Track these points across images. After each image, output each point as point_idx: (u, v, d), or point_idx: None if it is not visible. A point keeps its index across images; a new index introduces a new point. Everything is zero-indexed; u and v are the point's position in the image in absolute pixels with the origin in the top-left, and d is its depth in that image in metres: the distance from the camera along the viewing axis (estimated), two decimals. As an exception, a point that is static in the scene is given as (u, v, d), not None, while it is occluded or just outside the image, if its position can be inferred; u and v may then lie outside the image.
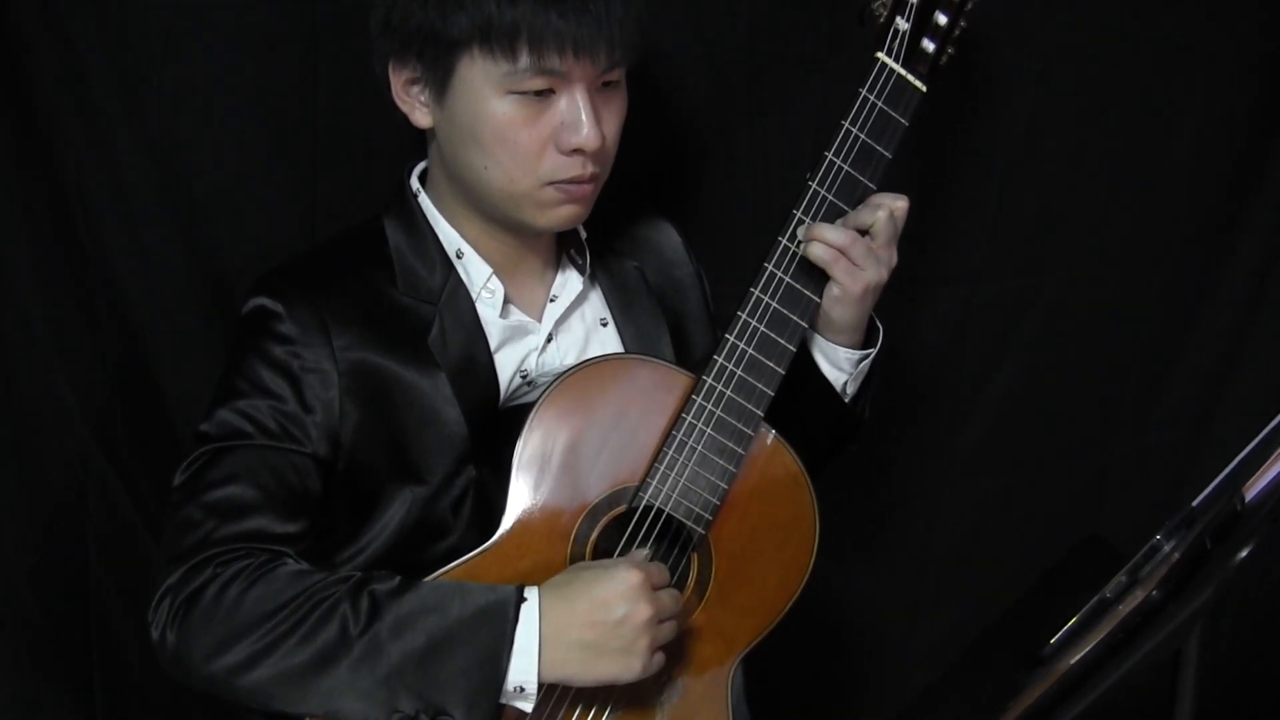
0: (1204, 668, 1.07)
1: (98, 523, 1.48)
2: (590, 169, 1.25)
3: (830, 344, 1.35)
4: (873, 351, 1.37)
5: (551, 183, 1.25)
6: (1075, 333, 1.83)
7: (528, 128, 1.22)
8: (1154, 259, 1.82)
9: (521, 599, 1.17)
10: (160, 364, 1.48)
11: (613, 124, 1.27)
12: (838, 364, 1.36)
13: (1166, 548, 1.07)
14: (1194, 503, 1.07)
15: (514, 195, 1.26)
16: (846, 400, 1.39)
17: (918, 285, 1.69)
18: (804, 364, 1.35)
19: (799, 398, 1.35)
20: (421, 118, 1.28)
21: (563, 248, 1.39)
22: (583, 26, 1.18)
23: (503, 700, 1.17)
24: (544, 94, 1.22)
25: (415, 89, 1.27)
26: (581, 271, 1.38)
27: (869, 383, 1.40)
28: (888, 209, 1.28)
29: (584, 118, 1.22)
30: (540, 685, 1.17)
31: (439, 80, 1.23)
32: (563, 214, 1.28)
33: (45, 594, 1.46)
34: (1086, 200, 1.77)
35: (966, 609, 1.87)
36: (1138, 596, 1.05)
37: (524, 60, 1.19)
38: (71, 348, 1.43)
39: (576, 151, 1.23)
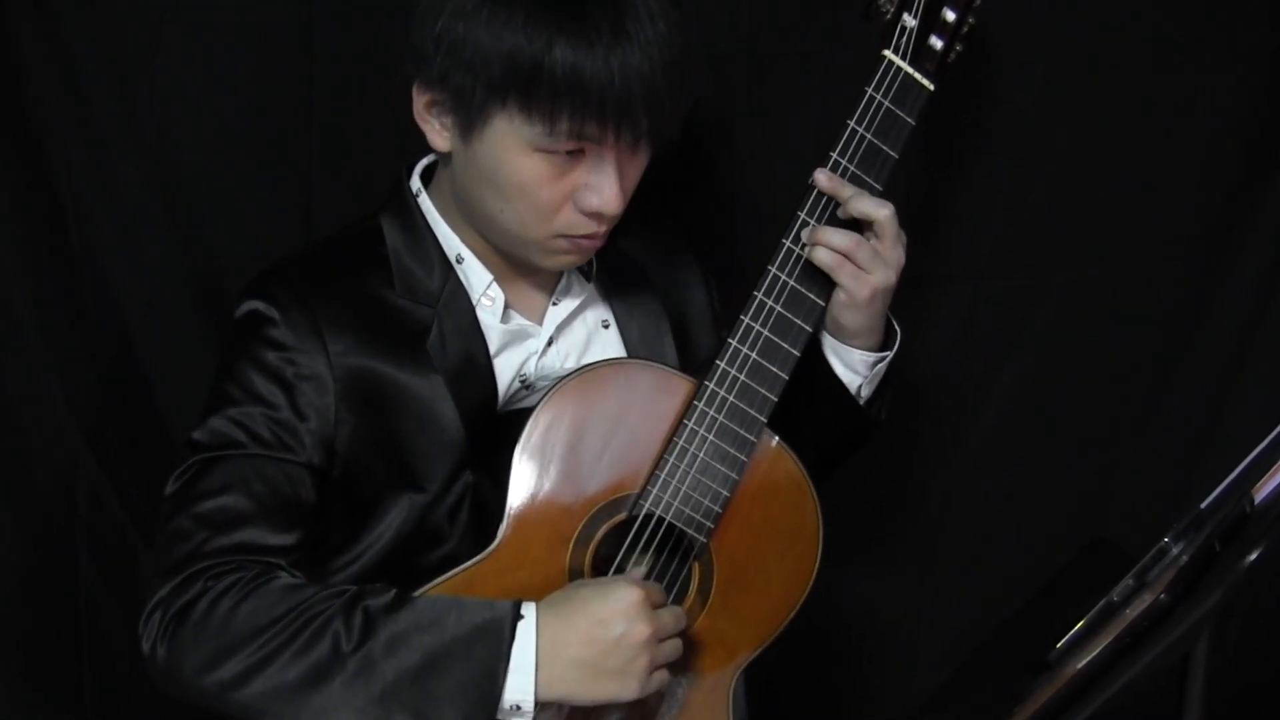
0: (1213, 672, 1.05)
1: (88, 527, 1.47)
2: (604, 228, 1.24)
3: (844, 346, 1.33)
4: (889, 355, 1.35)
5: (563, 235, 1.23)
6: (1082, 332, 1.81)
7: (550, 185, 1.20)
8: (1162, 258, 1.80)
9: (518, 616, 1.15)
10: (152, 366, 1.46)
11: (632, 179, 1.25)
12: (852, 366, 1.34)
13: (1175, 550, 1.05)
14: (1202, 505, 1.06)
15: (524, 240, 1.25)
16: (861, 402, 1.37)
17: (923, 283, 1.65)
18: (818, 365, 1.33)
19: (813, 399, 1.33)
20: (440, 142, 1.25)
21: None
22: (627, 99, 1.15)
23: (500, 717, 1.15)
24: (573, 153, 1.20)
25: (436, 110, 1.23)
26: (587, 277, 1.37)
27: (886, 385, 1.38)
28: (890, 207, 1.26)
29: (608, 183, 1.20)
30: (538, 703, 1.15)
31: (467, 120, 1.20)
32: (568, 260, 1.28)
33: (35, 598, 1.45)
34: (1093, 198, 1.75)
35: (971, 613, 1.85)
36: (1145, 600, 1.03)
37: (563, 125, 1.16)
38: (62, 349, 1.42)
39: (595, 214, 1.22)
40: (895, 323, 1.35)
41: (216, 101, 1.41)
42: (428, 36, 1.19)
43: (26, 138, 1.36)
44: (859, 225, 1.27)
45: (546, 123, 1.16)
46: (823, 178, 1.25)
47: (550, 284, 1.36)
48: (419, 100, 1.24)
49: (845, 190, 1.25)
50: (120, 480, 1.47)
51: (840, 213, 1.26)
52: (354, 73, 1.32)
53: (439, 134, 1.24)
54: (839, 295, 1.27)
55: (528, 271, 1.33)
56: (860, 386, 1.35)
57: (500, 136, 1.19)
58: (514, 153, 1.19)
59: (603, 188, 1.20)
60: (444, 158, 1.29)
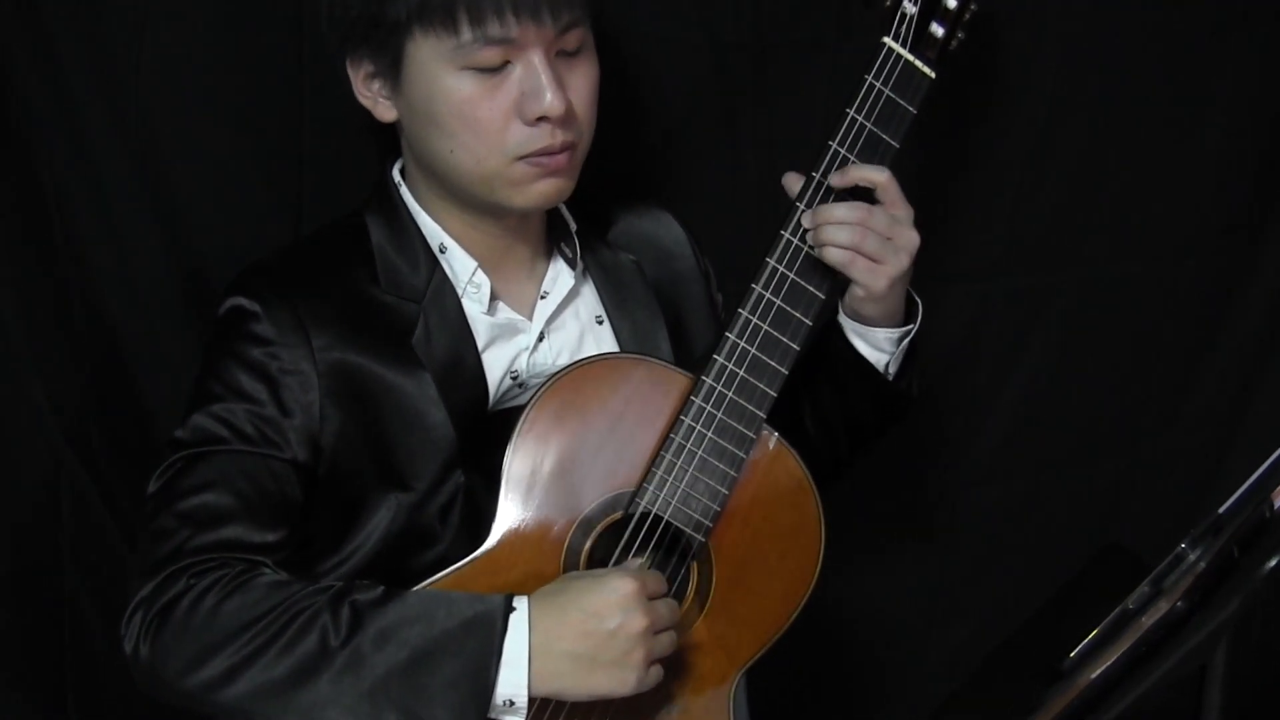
0: (1231, 683, 1.05)
1: (71, 529, 1.45)
2: (560, 137, 1.21)
3: (866, 327, 1.32)
4: (913, 328, 1.33)
5: (521, 157, 1.21)
6: (1097, 331, 1.79)
7: (487, 102, 1.19)
8: (1180, 254, 1.78)
9: (510, 608, 1.14)
10: (137, 364, 1.45)
11: (581, 90, 1.23)
12: (878, 345, 1.33)
13: (1192, 557, 1.04)
14: (1221, 510, 1.05)
15: (485, 176, 1.23)
16: (891, 379, 1.35)
17: (930, 282, 1.64)
18: (843, 350, 1.32)
19: (842, 385, 1.33)
20: (384, 111, 1.26)
21: (553, 241, 1.36)
22: None
23: (492, 714, 1.13)
24: (499, 67, 1.19)
25: (376, 85, 1.25)
26: (571, 265, 1.35)
27: (913, 358, 1.37)
28: (888, 171, 1.24)
29: (543, 82, 1.18)
30: (531, 699, 1.13)
31: (390, 68, 1.21)
32: (540, 190, 1.24)
33: (17, 602, 1.44)
34: (1108, 193, 1.73)
35: (982, 621, 1.83)
36: (1161, 608, 1.02)
37: (466, 33, 1.16)
38: (44, 347, 1.40)
39: (542, 120, 1.19)
40: (915, 294, 1.34)
41: (203, 96, 1.40)
42: (325, 7, 1.23)
43: (9, 133, 1.35)
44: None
45: (450, 34, 1.16)
46: (807, 219, 1.24)
47: (538, 275, 1.34)
48: (355, 79, 1.25)
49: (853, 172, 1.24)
50: (104, 482, 1.46)
51: (835, 180, 1.24)
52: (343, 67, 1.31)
53: (382, 104, 1.26)
54: (856, 290, 1.26)
55: (513, 256, 1.32)
56: (888, 364, 1.34)
57: (421, 68, 1.20)
58: (439, 79, 1.19)
59: (539, 90, 1.18)
60: (401, 135, 1.29)
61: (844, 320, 1.32)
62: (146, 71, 1.37)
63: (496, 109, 1.19)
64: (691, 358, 1.36)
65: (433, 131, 1.22)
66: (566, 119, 1.20)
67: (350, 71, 1.25)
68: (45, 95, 1.35)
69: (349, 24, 1.21)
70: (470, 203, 1.27)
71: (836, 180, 1.24)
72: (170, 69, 1.38)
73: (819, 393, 1.37)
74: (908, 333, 1.33)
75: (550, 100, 1.18)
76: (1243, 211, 1.78)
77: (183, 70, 1.39)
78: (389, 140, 1.32)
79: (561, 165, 1.23)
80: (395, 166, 1.33)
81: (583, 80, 1.23)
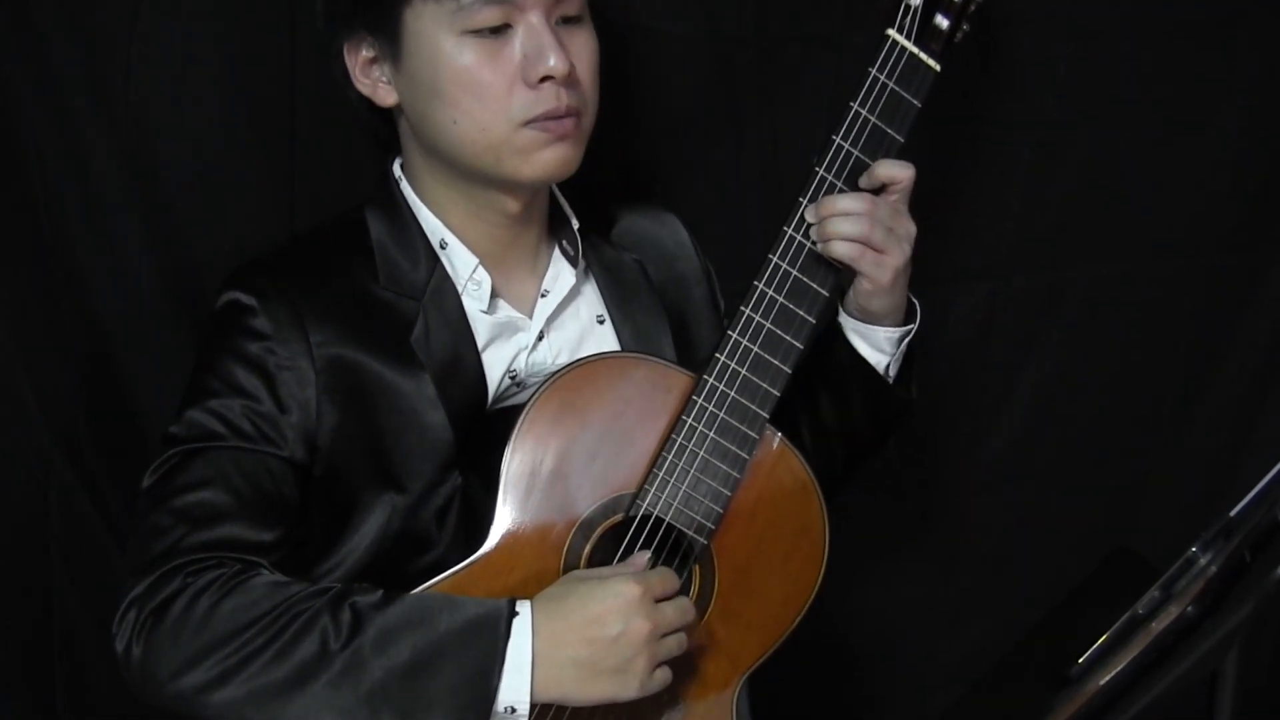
0: (1242, 689, 1.02)
1: (60, 530, 1.44)
2: (565, 99, 1.20)
3: (869, 326, 1.31)
4: (913, 327, 1.32)
5: (527, 122, 1.20)
6: (1108, 332, 1.77)
7: (490, 66, 1.19)
8: (1194, 252, 1.76)
9: (514, 613, 1.12)
10: (127, 362, 1.44)
11: (583, 57, 1.23)
12: (879, 346, 1.32)
13: (1203, 561, 1.02)
14: (1232, 513, 1.03)
15: (491, 145, 1.21)
16: (890, 381, 1.34)
17: (938, 282, 1.63)
18: (842, 351, 1.32)
19: (840, 387, 1.33)
20: (385, 95, 1.25)
21: (555, 238, 1.34)
22: None
23: None
24: (500, 30, 1.18)
25: (375, 70, 1.24)
26: (573, 263, 1.33)
27: (910, 361, 1.36)
28: (912, 167, 1.24)
29: (546, 42, 1.18)
30: (533, 705, 1.12)
31: (390, 43, 1.21)
32: (548, 158, 1.22)
33: (5, 605, 1.43)
34: (1119, 190, 1.71)
35: (990, 627, 1.82)
36: (1172, 613, 1.00)
37: None
38: (32, 345, 1.40)
39: (546, 80, 1.18)
40: (913, 296, 1.33)
41: (195, 91, 1.40)
42: None
43: (-1, 131, 1.35)
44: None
45: None
46: (810, 213, 1.23)
47: (539, 272, 1.33)
48: (353, 67, 1.25)
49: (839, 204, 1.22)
50: (93, 482, 1.45)
51: (863, 182, 1.24)
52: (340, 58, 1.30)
53: (382, 88, 1.25)
54: (862, 284, 1.26)
55: (515, 252, 1.31)
56: (888, 365, 1.33)
57: (421, 39, 1.19)
58: (440, 47, 1.18)
59: (542, 51, 1.18)
60: (400, 120, 1.28)
61: (845, 320, 1.32)
62: (137, 67, 1.37)
63: (500, 74, 1.18)
64: (695, 360, 1.34)
65: (435, 104, 1.20)
66: (571, 80, 1.19)
67: (348, 59, 1.24)
68: (35, 93, 1.35)
69: (347, 4, 1.20)
70: (476, 180, 1.25)
71: (865, 184, 1.23)
72: (161, 61, 1.37)
73: (817, 400, 1.36)
74: (908, 333, 1.32)
75: (554, 60, 1.18)
76: (1255, 210, 1.76)
77: (173, 62, 1.38)
78: (388, 138, 1.31)
79: (569, 130, 1.22)
80: (396, 162, 1.32)
81: (584, 49, 1.23)
